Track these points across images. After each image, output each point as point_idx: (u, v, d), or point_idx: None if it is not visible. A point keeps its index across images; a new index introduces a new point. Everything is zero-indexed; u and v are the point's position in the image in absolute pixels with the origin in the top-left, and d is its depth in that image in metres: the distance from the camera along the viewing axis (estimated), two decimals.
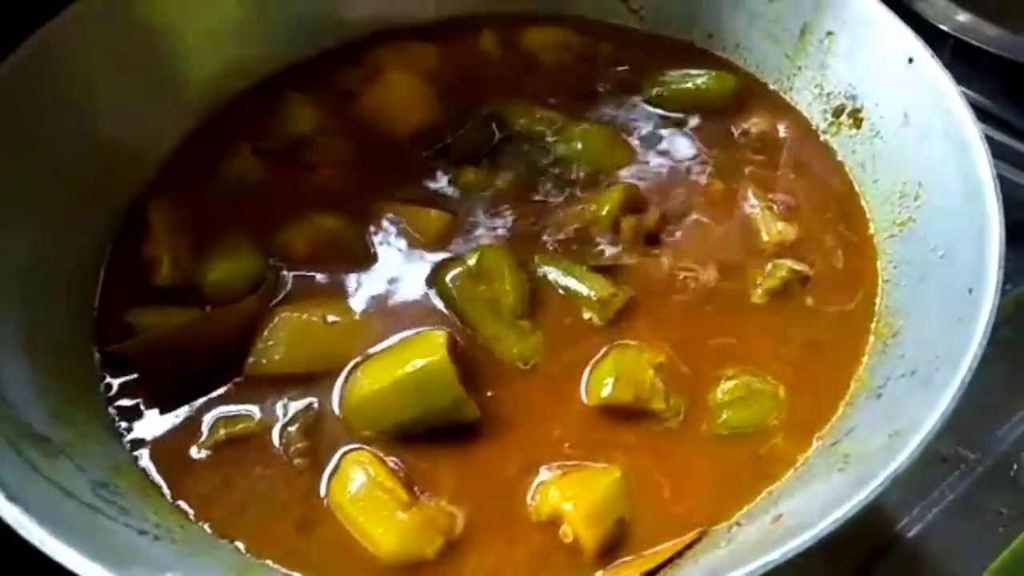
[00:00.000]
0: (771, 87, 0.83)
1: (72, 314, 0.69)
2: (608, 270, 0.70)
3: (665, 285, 0.69)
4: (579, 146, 0.78)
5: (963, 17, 0.95)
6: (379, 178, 0.77)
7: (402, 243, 0.73)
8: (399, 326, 0.67)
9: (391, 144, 0.79)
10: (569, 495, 0.57)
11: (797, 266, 0.69)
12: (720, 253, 0.71)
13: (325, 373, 0.65)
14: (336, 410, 0.63)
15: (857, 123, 0.75)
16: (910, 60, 0.69)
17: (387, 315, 0.68)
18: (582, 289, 0.68)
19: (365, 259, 0.72)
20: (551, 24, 0.88)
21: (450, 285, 0.69)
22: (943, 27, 0.94)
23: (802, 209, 0.74)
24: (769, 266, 0.70)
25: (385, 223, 0.74)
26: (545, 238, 0.72)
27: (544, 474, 0.60)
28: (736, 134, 0.79)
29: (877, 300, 0.67)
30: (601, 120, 0.81)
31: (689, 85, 0.82)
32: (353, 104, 0.82)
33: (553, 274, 0.70)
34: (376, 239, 0.73)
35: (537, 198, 0.75)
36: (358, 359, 0.65)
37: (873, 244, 0.71)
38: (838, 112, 0.77)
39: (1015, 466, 0.72)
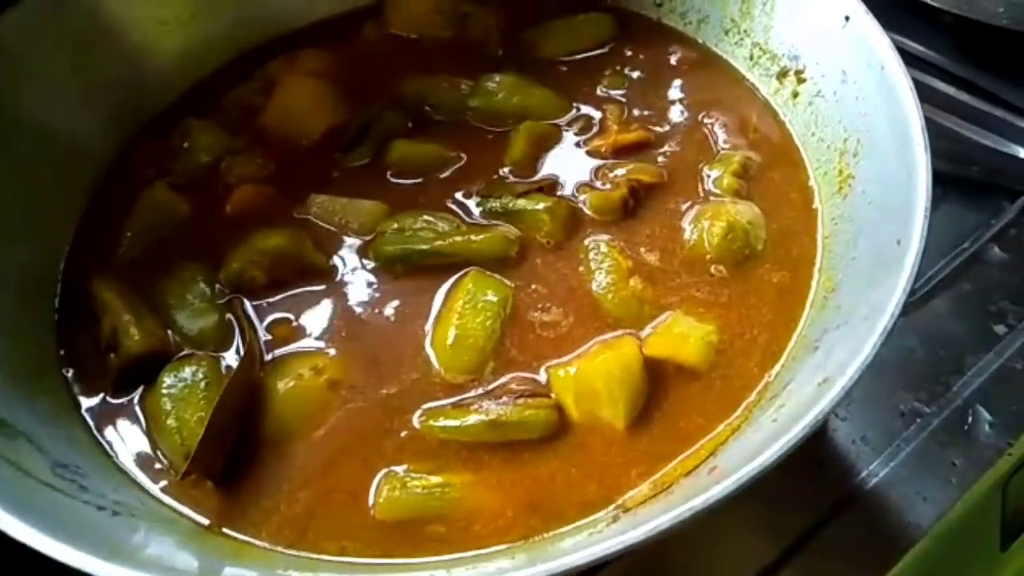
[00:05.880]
0: (716, 52, 0.83)
1: (32, 303, 0.70)
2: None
3: None
4: (498, 97, 0.79)
5: None
6: (303, 186, 0.75)
7: (351, 241, 0.72)
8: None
9: (305, 150, 0.79)
10: None
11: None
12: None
13: None
14: None
15: (800, 84, 0.75)
16: (847, 18, 0.70)
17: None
18: (530, 206, 0.71)
19: (325, 271, 0.70)
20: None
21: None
22: None
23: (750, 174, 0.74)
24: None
25: (325, 226, 0.73)
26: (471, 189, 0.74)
27: None
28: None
29: (818, 256, 0.68)
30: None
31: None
32: (256, 119, 0.80)
33: (495, 203, 0.72)
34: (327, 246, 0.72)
35: (464, 155, 0.77)
36: None
37: (815, 202, 0.71)
38: (783, 75, 0.77)
39: (970, 419, 0.72)
